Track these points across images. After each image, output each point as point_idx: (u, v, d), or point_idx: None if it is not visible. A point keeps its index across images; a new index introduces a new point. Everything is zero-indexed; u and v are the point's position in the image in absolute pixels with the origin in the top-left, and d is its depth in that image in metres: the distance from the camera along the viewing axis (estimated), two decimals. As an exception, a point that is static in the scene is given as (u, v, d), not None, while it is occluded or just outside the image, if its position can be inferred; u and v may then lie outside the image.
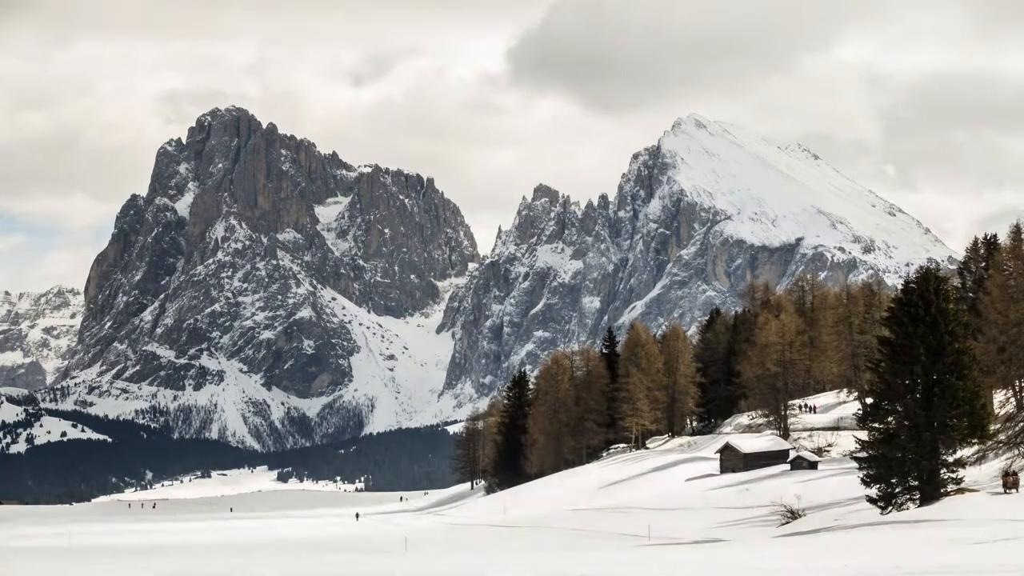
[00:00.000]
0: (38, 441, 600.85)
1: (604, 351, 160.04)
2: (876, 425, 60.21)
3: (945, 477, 58.18)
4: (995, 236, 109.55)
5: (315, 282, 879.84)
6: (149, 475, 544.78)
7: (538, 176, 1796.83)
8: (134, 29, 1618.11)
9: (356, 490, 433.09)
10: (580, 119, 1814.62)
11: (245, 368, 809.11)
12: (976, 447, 66.68)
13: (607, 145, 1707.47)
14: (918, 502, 58.13)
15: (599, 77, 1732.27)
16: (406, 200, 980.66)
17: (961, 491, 58.41)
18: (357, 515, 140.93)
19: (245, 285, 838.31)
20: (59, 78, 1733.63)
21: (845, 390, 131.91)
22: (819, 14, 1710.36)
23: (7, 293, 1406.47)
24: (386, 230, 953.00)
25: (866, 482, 59.70)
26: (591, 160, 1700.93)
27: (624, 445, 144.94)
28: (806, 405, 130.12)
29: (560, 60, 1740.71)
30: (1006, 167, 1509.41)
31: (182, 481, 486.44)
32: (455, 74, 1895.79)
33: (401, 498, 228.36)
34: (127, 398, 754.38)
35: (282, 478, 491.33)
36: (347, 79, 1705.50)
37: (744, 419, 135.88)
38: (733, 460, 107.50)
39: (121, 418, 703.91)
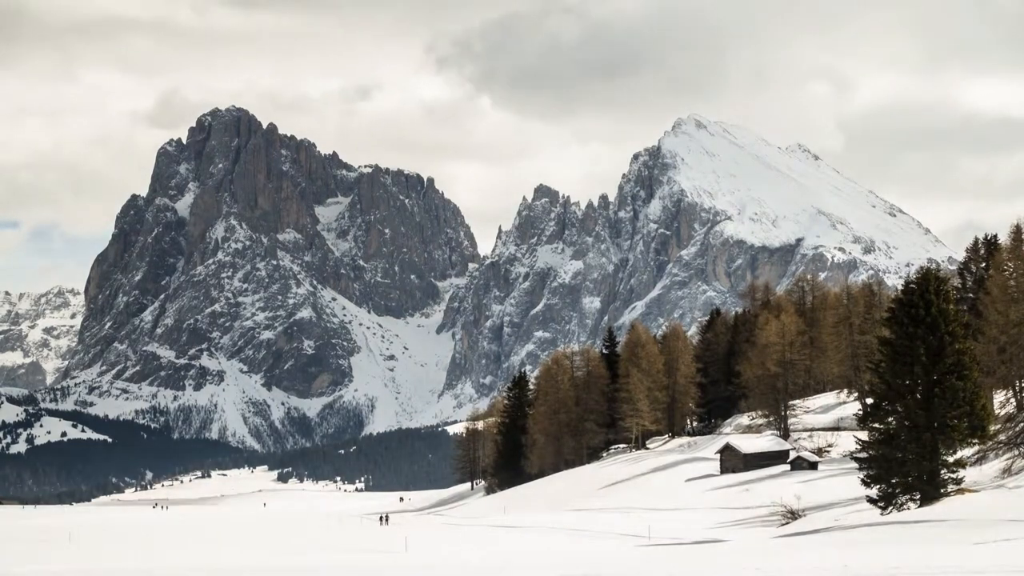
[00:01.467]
0: (38, 441, 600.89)
1: (604, 351, 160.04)
2: (876, 425, 60.23)
3: (945, 477, 58.20)
4: (995, 236, 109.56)
5: (315, 282, 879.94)
6: (149, 475, 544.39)
7: (537, 177, 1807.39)
8: (131, 64, 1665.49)
9: (356, 490, 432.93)
10: (577, 119, 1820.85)
11: (245, 368, 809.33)
12: (976, 447, 66.73)
13: (606, 146, 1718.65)
14: (918, 502, 58.16)
15: (594, 80, 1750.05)
16: (406, 200, 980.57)
17: (961, 491, 58.43)
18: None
19: (245, 285, 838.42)
20: (63, 98, 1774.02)
21: (845, 390, 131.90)
22: (781, 33, 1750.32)
23: (7, 293, 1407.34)
24: (386, 230, 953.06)
25: (866, 482, 59.72)
26: (591, 161, 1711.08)
27: (624, 445, 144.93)
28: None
29: (552, 62, 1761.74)
30: (962, 184, 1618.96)
31: (182, 481, 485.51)
32: (437, 84, 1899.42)
33: (401, 498, 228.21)
34: (127, 398, 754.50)
35: (282, 478, 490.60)
36: (328, 105, 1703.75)
37: (744, 419, 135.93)
38: (733, 460, 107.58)
39: (121, 418, 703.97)
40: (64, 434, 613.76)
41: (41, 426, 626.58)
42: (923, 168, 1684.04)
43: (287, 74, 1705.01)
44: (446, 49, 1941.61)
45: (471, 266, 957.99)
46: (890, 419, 59.11)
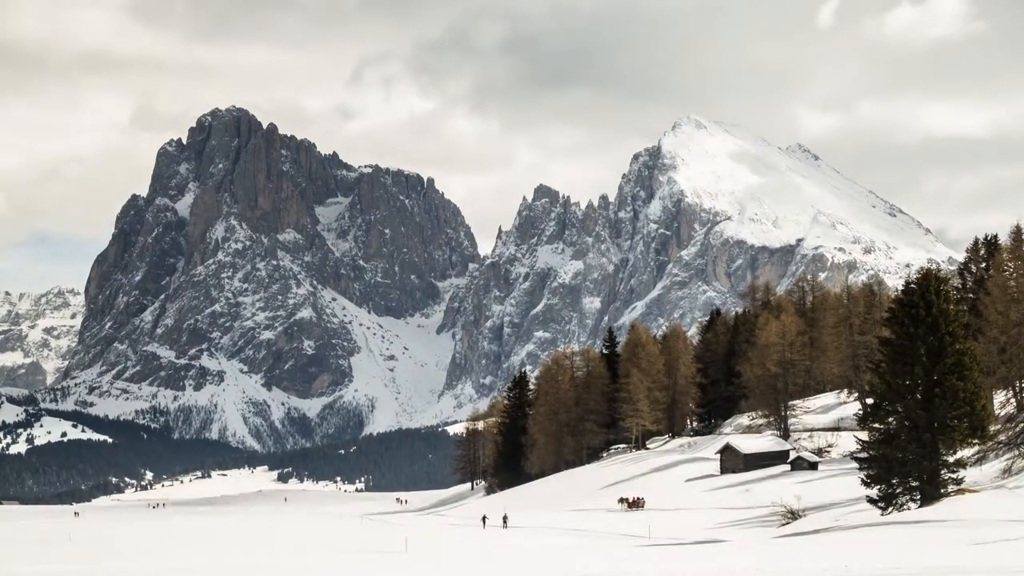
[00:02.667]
0: (38, 441, 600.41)
1: (604, 351, 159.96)
2: (877, 425, 60.26)
3: (945, 478, 58.20)
4: (995, 237, 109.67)
5: (315, 282, 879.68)
6: (149, 475, 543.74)
7: (538, 177, 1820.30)
8: (126, 91, 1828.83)
9: (356, 490, 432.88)
10: (577, 120, 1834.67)
11: (245, 368, 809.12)
12: (976, 448, 66.72)
13: (607, 146, 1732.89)
14: (918, 502, 58.17)
15: (595, 80, 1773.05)
16: (406, 200, 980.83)
17: (961, 492, 58.45)
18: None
19: (245, 285, 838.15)
20: (67, 118, 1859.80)
21: (845, 390, 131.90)
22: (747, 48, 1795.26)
23: (7, 293, 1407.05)
24: (386, 230, 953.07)
25: (866, 482, 59.73)
26: (591, 161, 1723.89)
27: (624, 445, 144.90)
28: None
29: (554, 63, 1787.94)
30: (925, 198, 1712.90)
31: (182, 481, 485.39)
32: (414, 101, 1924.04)
33: (398, 499, 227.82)
34: (127, 398, 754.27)
35: (282, 478, 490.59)
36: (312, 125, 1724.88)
37: (744, 420, 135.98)
38: (733, 461, 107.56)
39: (121, 418, 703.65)
40: (64, 434, 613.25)
41: (41, 426, 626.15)
42: (884, 183, 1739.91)
43: (266, 102, 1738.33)
44: (412, 68, 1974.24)
45: (471, 266, 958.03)
46: (890, 419, 59.13)
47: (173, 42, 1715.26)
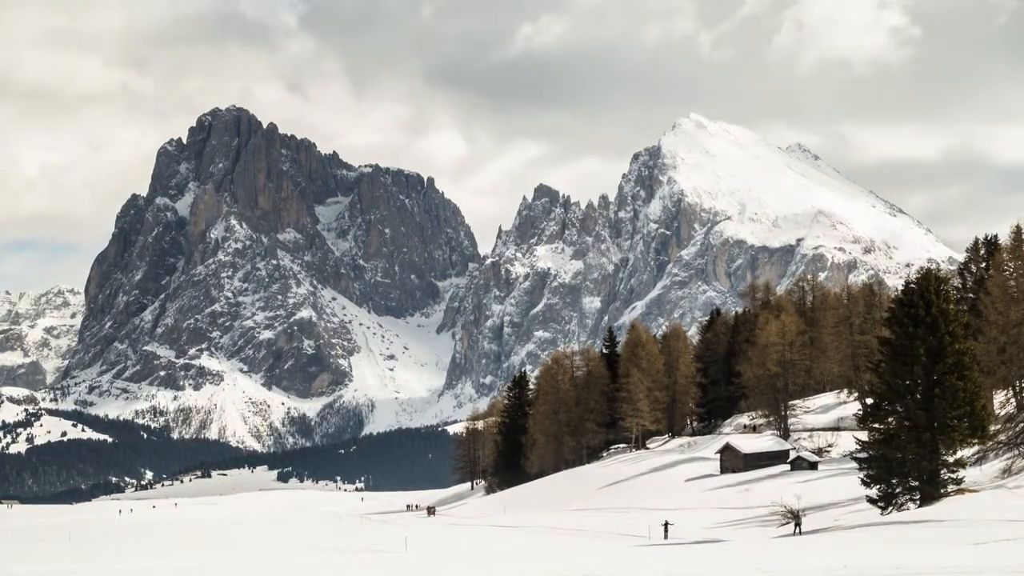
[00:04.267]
0: (38, 441, 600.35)
1: (604, 351, 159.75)
2: (876, 425, 60.25)
3: (945, 477, 58.19)
4: (995, 237, 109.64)
5: (315, 282, 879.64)
6: (149, 475, 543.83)
7: (538, 176, 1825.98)
8: (121, 115, 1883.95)
9: (356, 490, 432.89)
10: (578, 120, 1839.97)
11: (245, 368, 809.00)
12: (976, 447, 66.71)
13: (607, 146, 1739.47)
14: (918, 502, 58.15)
15: (594, 81, 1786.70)
16: (406, 200, 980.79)
17: (961, 492, 58.44)
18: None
19: (245, 285, 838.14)
20: (71, 139, 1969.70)
21: (845, 390, 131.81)
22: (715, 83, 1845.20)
23: (7, 293, 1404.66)
24: (386, 230, 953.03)
25: (866, 482, 59.72)
26: (591, 161, 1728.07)
27: (624, 445, 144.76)
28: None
29: (555, 64, 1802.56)
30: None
31: (182, 481, 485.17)
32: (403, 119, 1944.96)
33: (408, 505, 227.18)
34: (127, 398, 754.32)
35: (282, 478, 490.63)
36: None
37: (744, 419, 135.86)
38: (733, 460, 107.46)
39: (121, 418, 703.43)
40: (64, 434, 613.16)
41: (41, 426, 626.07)
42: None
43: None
44: (398, 86, 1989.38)
45: (471, 266, 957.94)
46: (890, 419, 59.11)
47: (149, 81, 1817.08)
